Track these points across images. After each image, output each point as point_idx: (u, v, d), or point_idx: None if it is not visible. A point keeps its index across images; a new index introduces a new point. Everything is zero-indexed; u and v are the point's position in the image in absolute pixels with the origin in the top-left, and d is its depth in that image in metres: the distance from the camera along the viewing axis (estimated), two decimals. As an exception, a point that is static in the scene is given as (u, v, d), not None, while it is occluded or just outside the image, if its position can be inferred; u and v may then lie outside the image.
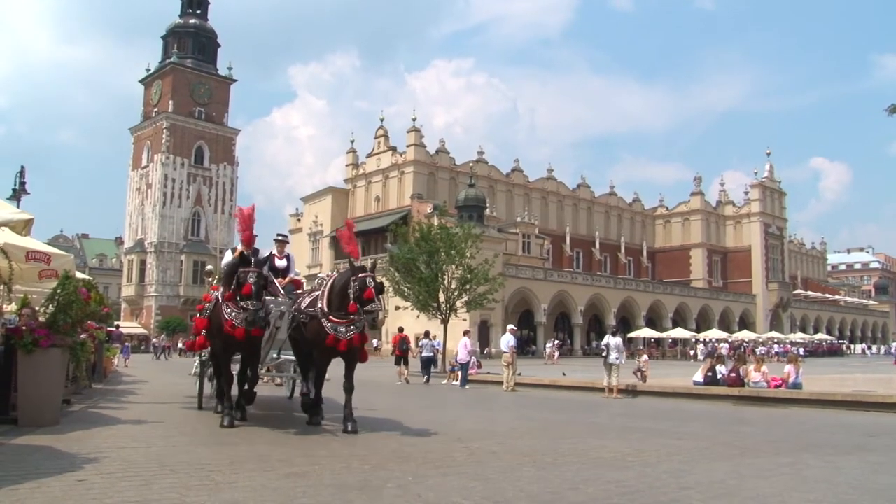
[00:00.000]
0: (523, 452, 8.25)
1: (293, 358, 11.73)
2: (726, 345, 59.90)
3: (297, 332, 10.36)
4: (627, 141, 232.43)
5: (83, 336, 11.00)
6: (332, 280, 10.11)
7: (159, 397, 15.30)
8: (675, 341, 72.01)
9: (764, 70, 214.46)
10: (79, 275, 15.60)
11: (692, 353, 62.57)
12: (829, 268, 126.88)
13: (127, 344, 27.86)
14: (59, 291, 9.62)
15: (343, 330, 9.54)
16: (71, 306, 9.56)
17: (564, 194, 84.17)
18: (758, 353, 46.56)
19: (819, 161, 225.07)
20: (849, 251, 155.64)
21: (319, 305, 9.80)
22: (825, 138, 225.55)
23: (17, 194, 25.72)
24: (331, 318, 9.59)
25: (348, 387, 9.83)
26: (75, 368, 11.28)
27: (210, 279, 14.07)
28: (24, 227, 10.30)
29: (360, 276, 9.40)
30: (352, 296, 9.34)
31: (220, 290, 10.33)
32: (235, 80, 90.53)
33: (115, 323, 42.66)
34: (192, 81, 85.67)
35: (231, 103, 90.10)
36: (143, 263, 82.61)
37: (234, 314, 9.67)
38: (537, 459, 7.75)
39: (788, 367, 18.57)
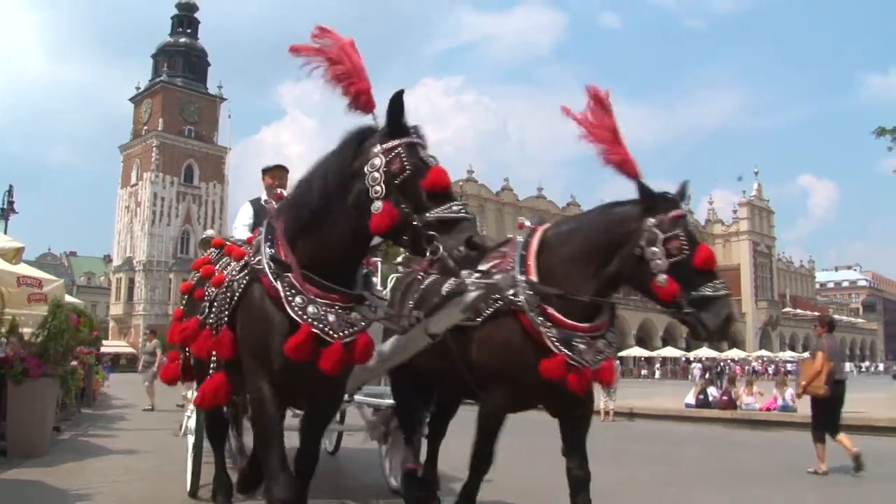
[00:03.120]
0: (521, 487, 7.89)
1: (380, 399, 6.95)
2: (699, 364, 57.19)
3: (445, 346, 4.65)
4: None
5: (73, 363, 10.87)
6: (563, 227, 4.84)
7: (149, 422, 15.14)
8: (664, 360, 71.93)
9: (752, 88, 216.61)
10: (68, 298, 15.55)
11: (693, 371, 61.61)
12: (817, 285, 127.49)
13: (108, 364, 27.62)
14: (50, 320, 9.52)
15: (586, 349, 4.28)
16: (62, 335, 9.45)
17: (554, 213, 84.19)
18: (748, 372, 46.23)
19: (807, 178, 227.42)
20: (836, 269, 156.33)
21: (521, 281, 4.40)
22: (813, 156, 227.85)
23: (5, 213, 25.60)
24: (552, 314, 4.31)
25: (583, 478, 4.49)
26: (65, 395, 11.13)
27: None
28: (14, 255, 10.19)
29: (671, 215, 4.19)
30: (661, 263, 4.09)
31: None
32: (225, 99, 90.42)
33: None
34: (181, 100, 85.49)
35: (220, 121, 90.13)
36: (131, 282, 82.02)
37: (318, 312, 3.71)
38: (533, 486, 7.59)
39: (775, 391, 18.53)
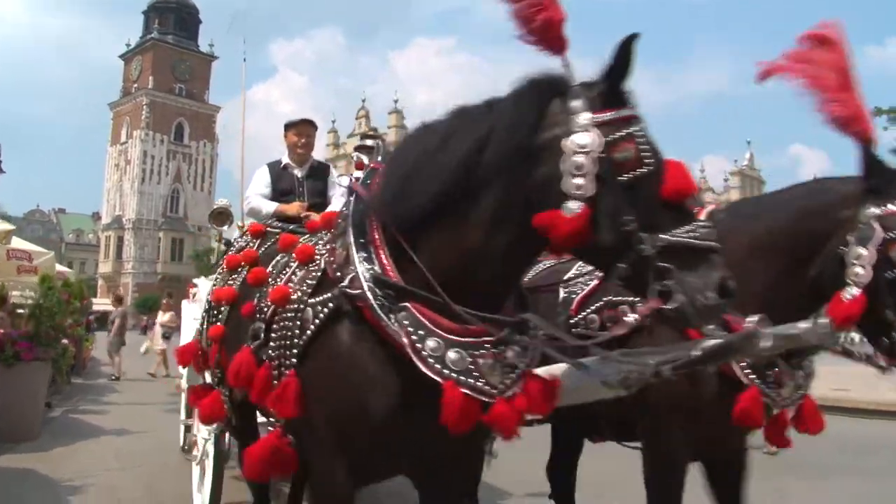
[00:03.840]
0: None
1: None
2: None
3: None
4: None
5: (64, 342, 10.84)
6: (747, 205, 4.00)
7: (140, 395, 15.14)
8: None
9: (746, 55, 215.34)
10: (58, 268, 15.48)
11: None
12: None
13: (94, 325, 27.43)
14: (41, 302, 9.48)
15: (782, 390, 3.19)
16: (53, 318, 9.41)
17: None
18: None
19: (798, 148, 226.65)
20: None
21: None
22: (805, 125, 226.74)
23: (-7, 174, 25.33)
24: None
25: None
26: (56, 373, 11.10)
27: (225, 227, 8.22)
28: (3, 237, 10.14)
29: None
30: (862, 273, 2.88)
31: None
32: (217, 58, 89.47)
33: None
34: (172, 58, 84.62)
35: (212, 79, 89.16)
36: (120, 240, 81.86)
37: (463, 358, 2.46)
38: None
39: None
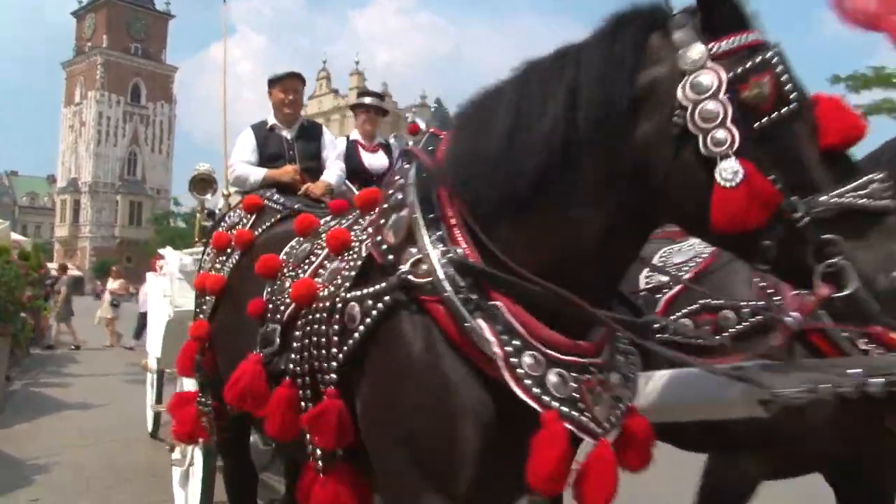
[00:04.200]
0: None
1: None
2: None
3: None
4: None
5: (23, 315, 10.68)
6: None
7: (100, 366, 14.97)
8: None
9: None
10: (14, 236, 15.19)
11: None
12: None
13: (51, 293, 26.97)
14: (-1, 276, 9.30)
15: None
16: (12, 292, 9.25)
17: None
18: None
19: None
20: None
21: None
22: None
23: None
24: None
25: None
26: (15, 346, 10.95)
27: (208, 196, 6.86)
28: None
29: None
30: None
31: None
32: (174, 16, 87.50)
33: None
34: (127, 16, 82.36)
35: (169, 39, 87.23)
36: (76, 203, 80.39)
37: (564, 382, 1.88)
38: None
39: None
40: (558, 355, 1.87)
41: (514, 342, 1.84)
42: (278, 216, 3.47)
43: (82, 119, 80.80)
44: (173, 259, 6.34)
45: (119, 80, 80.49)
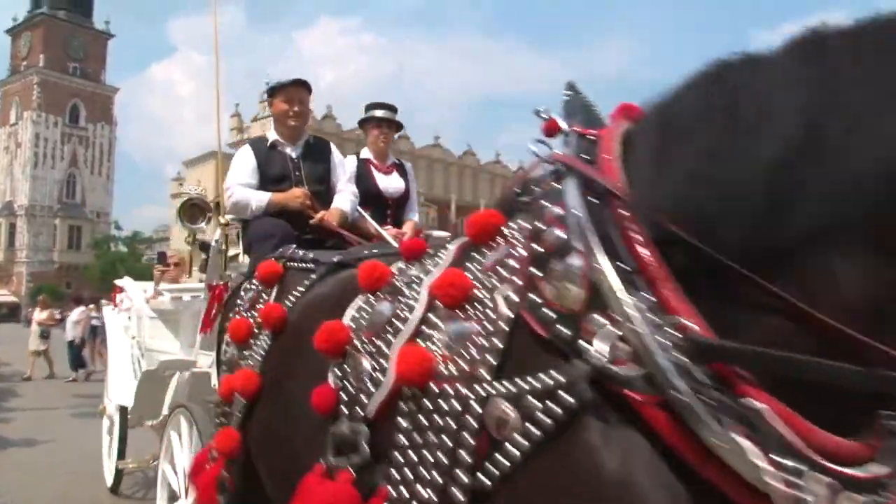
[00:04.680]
0: None
1: None
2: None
3: None
4: (515, 105, 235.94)
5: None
6: None
7: (42, 399, 14.67)
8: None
9: (649, 40, 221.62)
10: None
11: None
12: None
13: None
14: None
15: None
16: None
17: (450, 161, 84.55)
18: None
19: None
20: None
21: None
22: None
23: None
24: None
25: None
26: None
27: (202, 225, 5.72)
28: None
29: None
30: None
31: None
32: (113, 35, 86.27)
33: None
34: (65, 35, 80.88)
35: (109, 59, 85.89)
36: (12, 227, 78.19)
37: None
38: None
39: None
40: (852, 472, 1.24)
41: (792, 464, 1.20)
42: (314, 276, 2.64)
43: (18, 140, 78.87)
44: (136, 292, 5.94)
45: (56, 100, 78.91)
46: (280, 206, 3.83)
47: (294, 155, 4.08)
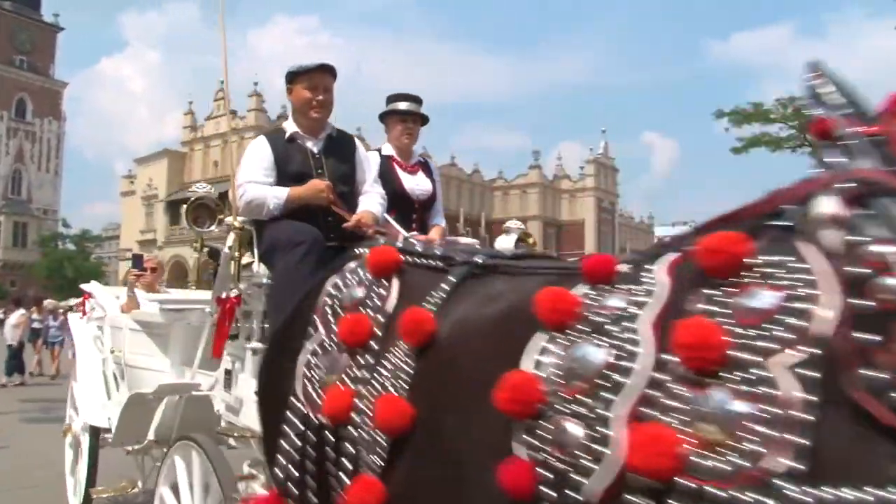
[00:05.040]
0: None
1: None
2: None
3: None
4: (472, 109, 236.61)
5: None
6: None
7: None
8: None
9: (606, 49, 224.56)
10: None
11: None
12: (655, 240, 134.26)
13: None
14: None
15: None
16: None
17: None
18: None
19: (651, 136, 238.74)
20: (674, 224, 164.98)
21: None
22: (658, 116, 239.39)
23: None
24: None
25: None
26: None
27: (212, 227, 4.77)
28: None
29: None
30: None
31: None
32: (63, 29, 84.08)
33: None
34: (11, 27, 78.58)
35: (58, 52, 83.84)
36: (-46, 224, 75.94)
37: None
38: None
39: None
40: None
41: None
42: (452, 279, 2.03)
43: (-39, 134, 76.64)
44: (107, 299, 5.52)
45: (2, 93, 76.68)
46: (301, 201, 3.40)
47: (315, 150, 3.65)
